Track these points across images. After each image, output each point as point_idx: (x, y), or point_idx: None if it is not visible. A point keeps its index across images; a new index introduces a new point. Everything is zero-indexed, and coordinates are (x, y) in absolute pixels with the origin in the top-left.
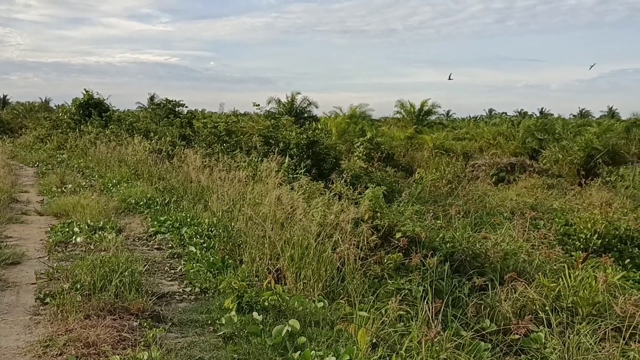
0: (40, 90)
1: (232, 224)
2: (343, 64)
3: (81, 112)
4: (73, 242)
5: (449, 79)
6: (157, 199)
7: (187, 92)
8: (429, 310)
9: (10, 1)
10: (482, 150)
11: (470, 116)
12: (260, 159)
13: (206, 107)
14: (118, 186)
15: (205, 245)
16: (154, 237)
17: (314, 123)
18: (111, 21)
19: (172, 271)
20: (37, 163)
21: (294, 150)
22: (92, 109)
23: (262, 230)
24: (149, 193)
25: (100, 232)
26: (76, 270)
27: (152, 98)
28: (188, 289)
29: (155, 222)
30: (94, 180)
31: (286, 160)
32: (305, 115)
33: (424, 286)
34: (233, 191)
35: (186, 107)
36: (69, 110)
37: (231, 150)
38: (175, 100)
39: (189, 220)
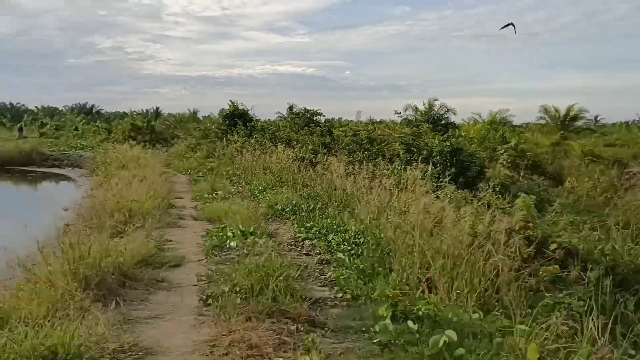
0: (188, 102)
1: (380, 232)
2: (479, 69)
3: (227, 122)
4: (227, 246)
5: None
6: (302, 206)
7: (323, 101)
8: (594, 327)
9: (161, 19)
10: (635, 157)
11: (621, 121)
12: (402, 166)
13: (342, 116)
14: (264, 193)
15: (353, 252)
16: (301, 242)
17: (452, 130)
18: (252, 35)
19: (322, 277)
20: (189, 171)
21: (437, 157)
22: (237, 119)
23: (411, 238)
24: (294, 200)
25: (252, 237)
26: (234, 273)
27: (290, 108)
28: (339, 295)
29: (302, 229)
30: (241, 187)
31: (429, 168)
32: (443, 122)
33: (586, 301)
34: (379, 199)
35: (323, 116)
36: (216, 120)
37: (373, 158)
38: (313, 110)
39: (335, 227)
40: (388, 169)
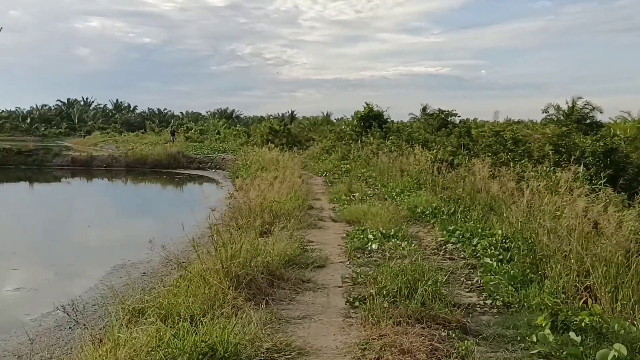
0: (321, 105)
1: (532, 236)
2: (629, 64)
3: (362, 124)
4: (369, 248)
5: None
6: (443, 209)
7: (457, 101)
8: None
9: (297, 25)
10: None
11: None
12: (552, 168)
13: (477, 116)
14: (402, 195)
15: (501, 257)
16: (443, 246)
17: (597, 130)
18: (384, 36)
19: (469, 282)
20: (325, 173)
21: (589, 159)
22: (372, 120)
23: (567, 244)
24: (434, 202)
25: (393, 240)
26: (379, 276)
27: (424, 109)
28: (489, 302)
29: (445, 232)
30: (377, 189)
31: (580, 170)
32: (587, 121)
33: None
34: (529, 202)
35: (459, 116)
36: (350, 122)
37: (518, 160)
38: (448, 110)
39: (479, 231)
40: (537, 171)
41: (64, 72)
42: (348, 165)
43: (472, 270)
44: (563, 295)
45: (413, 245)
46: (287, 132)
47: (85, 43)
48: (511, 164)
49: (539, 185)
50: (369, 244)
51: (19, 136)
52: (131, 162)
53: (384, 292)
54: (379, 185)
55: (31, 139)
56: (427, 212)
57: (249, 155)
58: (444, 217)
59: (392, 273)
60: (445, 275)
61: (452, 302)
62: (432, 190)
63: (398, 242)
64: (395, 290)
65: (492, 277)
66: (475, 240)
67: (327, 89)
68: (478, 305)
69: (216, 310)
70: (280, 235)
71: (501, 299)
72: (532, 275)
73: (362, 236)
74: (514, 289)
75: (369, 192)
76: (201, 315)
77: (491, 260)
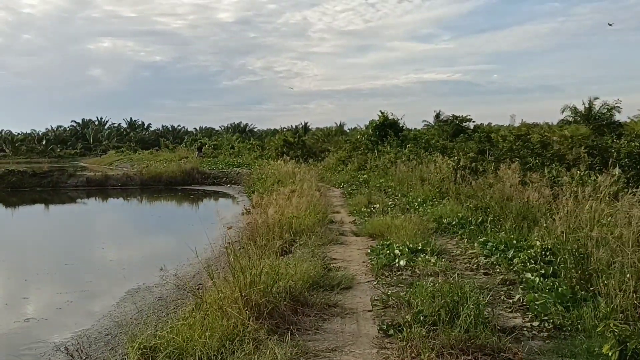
0: (334, 116)
1: (579, 248)
2: None
3: (377, 132)
4: (396, 265)
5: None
6: (471, 219)
7: (470, 106)
8: None
9: (307, 37)
10: None
11: None
12: (586, 172)
13: (491, 121)
14: (424, 205)
15: (543, 272)
16: (475, 260)
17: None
18: (394, 45)
19: (510, 301)
20: (342, 184)
21: (625, 160)
22: (388, 129)
23: (622, 256)
24: (460, 212)
25: (422, 255)
26: (412, 298)
27: (437, 115)
28: (536, 324)
29: (476, 244)
30: (397, 199)
31: (616, 172)
32: (605, 122)
33: None
34: (571, 210)
35: (473, 121)
36: (365, 132)
37: (548, 164)
38: (462, 116)
39: (514, 242)
40: (572, 176)
41: (78, 93)
42: (365, 176)
43: (511, 287)
44: (621, 315)
45: (444, 260)
46: (301, 144)
47: (98, 64)
48: (543, 169)
49: (581, 191)
50: (396, 260)
51: (35, 158)
52: (146, 180)
53: (421, 318)
54: (399, 195)
55: (47, 161)
56: (454, 222)
57: (264, 168)
58: (472, 227)
59: (427, 294)
60: (487, 296)
61: (498, 327)
62: (456, 199)
63: (427, 257)
64: (433, 315)
65: (537, 294)
66: (510, 253)
67: (339, 100)
68: (525, 329)
69: (236, 347)
70: (302, 254)
71: (551, 320)
72: (583, 293)
73: (387, 252)
74: (563, 309)
75: (390, 202)
76: (217, 352)
77: (533, 276)
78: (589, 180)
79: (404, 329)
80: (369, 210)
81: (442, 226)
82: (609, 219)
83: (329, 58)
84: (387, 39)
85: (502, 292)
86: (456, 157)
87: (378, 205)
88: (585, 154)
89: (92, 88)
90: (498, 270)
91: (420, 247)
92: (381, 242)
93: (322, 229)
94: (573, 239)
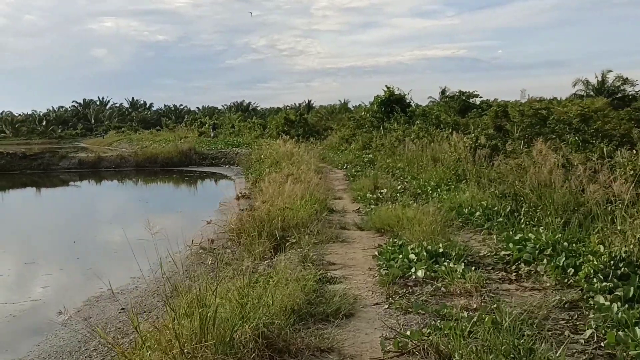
0: (338, 93)
1: None
2: None
3: (383, 109)
4: (412, 276)
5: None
6: (498, 208)
7: (475, 82)
8: None
9: (310, 15)
10: None
11: None
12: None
13: (497, 96)
14: (438, 190)
15: (620, 293)
16: (512, 266)
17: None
18: (398, 21)
19: (577, 337)
20: (345, 165)
21: None
22: (394, 105)
23: None
24: (484, 200)
25: (445, 262)
26: (441, 342)
27: (443, 91)
28: None
29: (511, 244)
30: (406, 182)
31: None
32: (619, 95)
33: None
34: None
35: (480, 97)
36: (370, 108)
37: (588, 142)
38: (469, 92)
39: (564, 244)
40: (622, 157)
41: (80, 74)
42: (371, 155)
43: (574, 312)
44: None
45: (479, 271)
46: (303, 122)
47: (100, 44)
48: (592, 148)
49: None
50: (412, 269)
51: (35, 139)
52: (141, 162)
53: None
54: (409, 178)
55: (47, 142)
56: (477, 213)
57: (262, 149)
58: (500, 219)
59: (464, 341)
60: (559, 349)
61: None
62: (476, 183)
63: (452, 264)
64: None
65: (622, 333)
66: (562, 260)
67: (343, 77)
68: None
69: None
70: (289, 264)
71: None
72: None
73: (400, 256)
74: None
75: (399, 187)
76: None
77: (606, 300)
78: None
79: None
80: (375, 196)
81: (462, 216)
82: None
83: (332, 35)
84: (390, 15)
85: (561, 322)
86: (473, 135)
87: (385, 190)
88: (635, 130)
89: (95, 68)
90: (549, 284)
91: (442, 250)
92: (391, 241)
93: (319, 223)
94: None
